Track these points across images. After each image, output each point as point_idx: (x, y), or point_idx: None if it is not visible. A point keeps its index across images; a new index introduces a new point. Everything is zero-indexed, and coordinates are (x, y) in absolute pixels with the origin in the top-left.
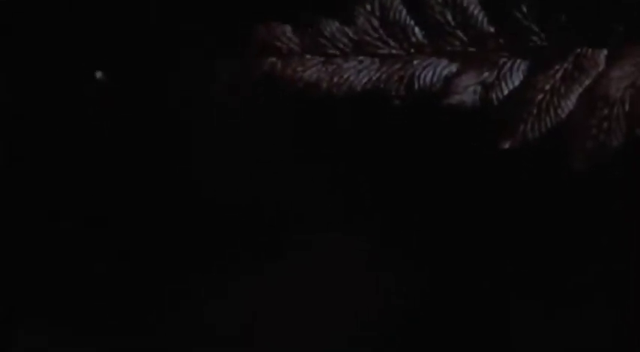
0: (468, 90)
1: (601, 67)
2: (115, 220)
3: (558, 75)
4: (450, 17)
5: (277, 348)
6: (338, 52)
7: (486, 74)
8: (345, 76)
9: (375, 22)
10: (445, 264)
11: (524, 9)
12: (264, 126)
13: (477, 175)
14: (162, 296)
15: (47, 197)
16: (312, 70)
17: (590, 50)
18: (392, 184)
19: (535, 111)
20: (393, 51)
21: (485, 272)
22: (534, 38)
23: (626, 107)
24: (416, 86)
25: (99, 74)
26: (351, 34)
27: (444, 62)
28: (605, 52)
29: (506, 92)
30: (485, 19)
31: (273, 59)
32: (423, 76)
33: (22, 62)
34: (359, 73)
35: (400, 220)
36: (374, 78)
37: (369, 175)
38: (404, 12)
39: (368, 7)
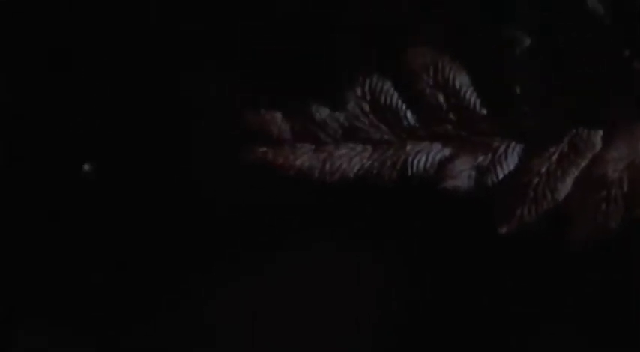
0: (462, 175)
1: (597, 148)
2: (115, 221)
3: (554, 157)
4: (442, 100)
5: (276, 348)
6: (329, 139)
7: (481, 158)
8: (337, 164)
9: (366, 107)
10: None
11: (518, 91)
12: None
13: (474, 260)
14: (162, 296)
15: (47, 197)
16: (303, 157)
17: (585, 131)
18: (386, 269)
19: (532, 194)
20: (385, 136)
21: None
22: (528, 120)
23: (624, 188)
24: (409, 172)
25: (86, 167)
26: (342, 119)
27: (438, 146)
28: (600, 132)
29: (501, 176)
30: (478, 102)
31: (264, 148)
32: (416, 161)
33: (23, 63)
34: (351, 160)
35: (396, 311)
36: (366, 164)
37: (364, 263)
38: (395, 96)
39: (358, 91)
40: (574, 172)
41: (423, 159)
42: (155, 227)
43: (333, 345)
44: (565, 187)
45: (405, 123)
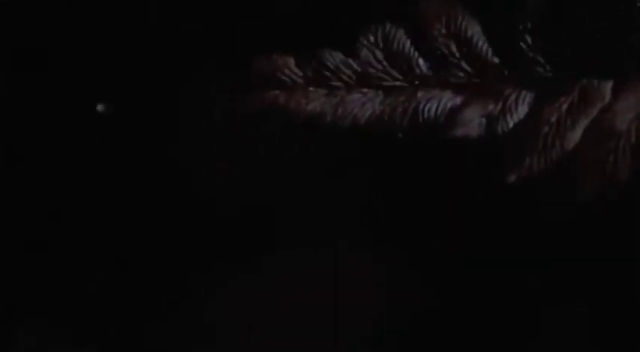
0: (472, 123)
1: (607, 99)
2: (115, 221)
3: (564, 107)
4: (454, 48)
5: (276, 348)
6: (341, 84)
7: (491, 106)
8: (349, 109)
9: (379, 54)
10: (448, 293)
11: (529, 40)
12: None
13: (482, 208)
14: (161, 296)
15: (47, 197)
16: (315, 102)
17: (595, 82)
18: (395, 216)
19: (541, 144)
20: (397, 83)
21: (490, 305)
22: (539, 70)
23: (632, 139)
24: (420, 119)
25: (100, 107)
26: (354, 65)
27: (449, 94)
28: (610, 83)
29: (511, 124)
30: (490, 51)
31: (276, 92)
32: (427, 108)
33: (23, 63)
34: (363, 106)
35: (404, 255)
36: (378, 110)
37: (372, 207)
38: (408, 43)
39: (371, 38)
40: (583, 122)
41: (434, 106)
42: (155, 227)
43: (332, 345)
44: (574, 137)
45: (417, 70)
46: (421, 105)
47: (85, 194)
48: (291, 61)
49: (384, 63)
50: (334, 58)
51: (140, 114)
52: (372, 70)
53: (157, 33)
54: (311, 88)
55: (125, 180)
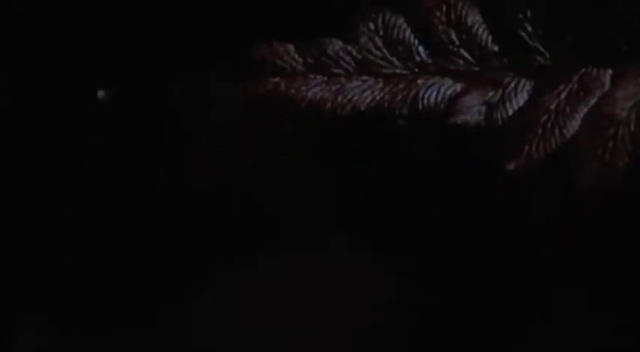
0: (472, 110)
1: (606, 87)
2: (115, 221)
3: (563, 95)
4: (454, 36)
5: (275, 348)
6: (342, 72)
7: (491, 94)
8: (349, 96)
9: (379, 41)
10: (446, 284)
11: (529, 28)
12: (264, 137)
13: (481, 196)
14: (162, 296)
15: (47, 197)
16: (315, 89)
17: (595, 70)
18: (394, 204)
19: (540, 131)
20: (397, 70)
21: (487, 294)
22: (539, 58)
23: (632, 127)
24: (420, 106)
25: (100, 93)
26: (354, 53)
27: (448, 82)
28: (610, 71)
29: (510, 112)
30: (490, 39)
31: (277, 79)
32: (427, 95)
33: (23, 64)
34: (363, 93)
35: (402, 241)
36: (378, 97)
37: (371, 194)
38: (408, 31)
39: (371, 25)
40: (583, 110)
41: (434, 93)
42: (155, 227)
43: (332, 346)
44: (574, 125)
45: (417, 58)
46: (421, 93)
47: (84, 194)
48: (292, 49)
49: (384, 50)
50: (334, 45)
51: (138, 105)
52: (371, 58)
53: (156, 20)
54: (311, 76)
55: (125, 181)
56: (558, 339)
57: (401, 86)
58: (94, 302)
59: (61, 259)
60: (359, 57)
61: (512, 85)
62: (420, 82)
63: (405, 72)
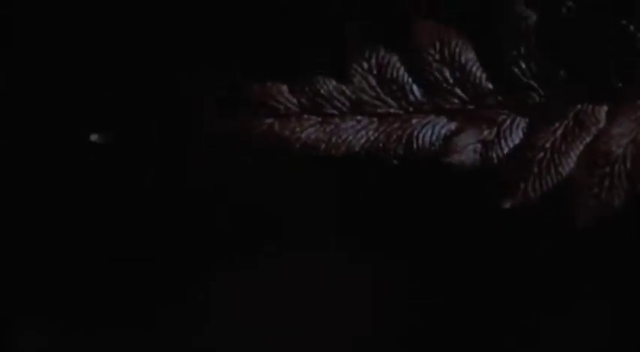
0: (467, 149)
1: (602, 124)
2: (115, 221)
3: (559, 132)
4: (448, 75)
5: (275, 348)
6: (336, 112)
7: (486, 132)
8: (344, 137)
9: (373, 81)
10: (446, 327)
11: (523, 65)
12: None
13: (478, 235)
14: (162, 296)
15: (46, 197)
16: (309, 130)
17: (590, 107)
18: (391, 243)
19: (536, 169)
20: (391, 110)
21: (488, 334)
22: (534, 95)
23: (628, 164)
24: (415, 146)
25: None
26: (348, 92)
27: (443, 120)
28: (605, 108)
29: (506, 150)
30: (484, 76)
31: (270, 120)
32: (421, 135)
33: (23, 64)
34: (357, 133)
35: (400, 282)
36: (372, 138)
37: (368, 235)
38: (401, 70)
39: (365, 65)
40: (579, 147)
41: (429, 133)
42: (156, 227)
43: (332, 346)
44: (569, 162)
45: (411, 97)
46: (415, 132)
47: (84, 194)
48: (285, 89)
49: (378, 89)
50: (327, 84)
51: (138, 103)
52: (365, 97)
53: (149, 52)
54: (305, 116)
55: (126, 181)
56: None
57: (395, 126)
58: (94, 302)
59: (60, 259)
60: (353, 97)
61: (507, 122)
62: (414, 121)
63: (399, 111)
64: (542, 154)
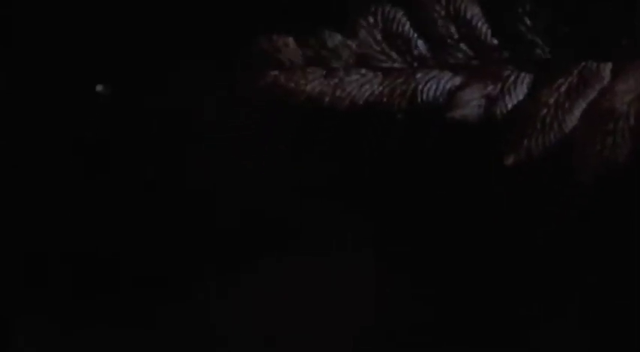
0: (471, 104)
1: (606, 81)
2: (116, 221)
3: (563, 89)
4: (453, 30)
5: (275, 348)
6: (340, 65)
7: (490, 87)
8: (348, 90)
9: (378, 35)
10: (447, 275)
11: (529, 22)
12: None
13: (480, 189)
14: (162, 296)
15: (46, 196)
16: (314, 83)
17: (594, 64)
18: (394, 197)
19: (539, 125)
20: (396, 64)
21: (487, 285)
22: (538, 51)
23: (631, 121)
24: (419, 100)
25: (99, 87)
26: (353, 46)
27: (448, 75)
28: (609, 65)
29: (510, 106)
30: (489, 32)
31: (276, 72)
32: (426, 89)
33: (22, 64)
34: (361, 87)
35: (403, 233)
36: (376, 91)
37: (371, 187)
38: (407, 25)
39: (371, 19)
40: (582, 104)
41: (433, 87)
42: (156, 227)
43: (332, 347)
44: (573, 119)
45: (416, 51)
46: (420, 87)
47: (84, 193)
48: (291, 42)
49: (383, 44)
50: (333, 38)
51: (137, 98)
52: (370, 51)
53: (155, 13)
54: (310, 69)
55: (127, 181)
56: (559, 336)
57: (400, 80)
58: (94, 302)
59: (60, 259)
60: (358, 51)
61: (512, 78)
62: (419, 75)
63: (403, 66)
64: (545, 110)
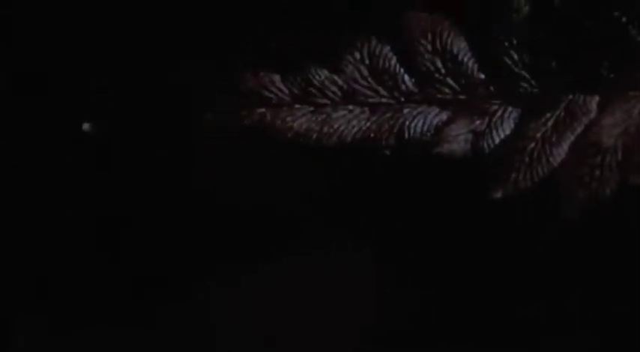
0: (458, 139)
1: (593, 114)
2: (116, 221)
3: (550, 122)
4: (440, 65)
5: (275, 349)
6: (327, 101)
7: (477, 122)
8: (335, 126)
9: (365, 71)
10: (438, 318)
11: (515, 56)
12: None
13: (468, 225)
14: (162, 296)
15: (47, 197)
16: (301, 119)
17: (581, 97)
18: (382, 233)
19: (527, 159)
20: (383, 99)
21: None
22: (525, 85)
23: (619, 155)
24: (406, 135)
25: (86, 126)
26: (340, 82)
27: (435, 110)
28: (596, 98)
29: (497, 140)
30: (476, 67)
31: (262, 109)
32: (413, 125)
33: (22, 64)
34: (349, 123)
35: (391, 273)
36: (364, 127)
37: (359, 225)
38: (394, 60)
39: (357, 55)
40: (570, 138)
41: (420, 122)
42: (156, 227)
43: (332, 347)
44: (560, 152)
45: (403, 87)
46: (407, 122)
47: (85, 193)
48: (277, 79)
49: (370, 79)
50: (320, 74)
51: (138, 98)
52: (357, 87)
53: (144, 46)
54: (297, 106)
55: (128, 180)
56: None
57: (387, 115)
58: (94, 301)
59: (60, 259)
60: (344, 86)
61: (499, 113)
62: (406, 111)
63: (391, 101)
64: (533, 144)
